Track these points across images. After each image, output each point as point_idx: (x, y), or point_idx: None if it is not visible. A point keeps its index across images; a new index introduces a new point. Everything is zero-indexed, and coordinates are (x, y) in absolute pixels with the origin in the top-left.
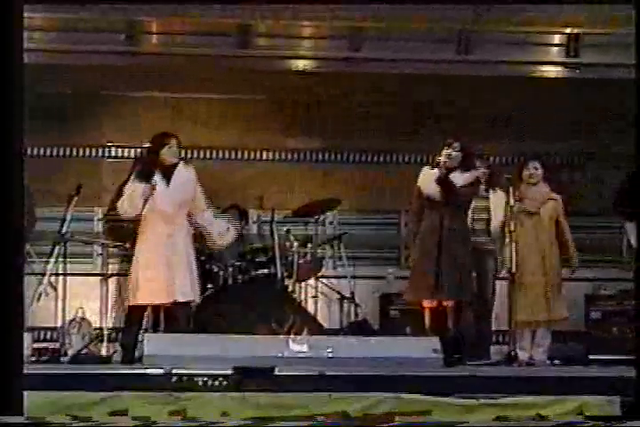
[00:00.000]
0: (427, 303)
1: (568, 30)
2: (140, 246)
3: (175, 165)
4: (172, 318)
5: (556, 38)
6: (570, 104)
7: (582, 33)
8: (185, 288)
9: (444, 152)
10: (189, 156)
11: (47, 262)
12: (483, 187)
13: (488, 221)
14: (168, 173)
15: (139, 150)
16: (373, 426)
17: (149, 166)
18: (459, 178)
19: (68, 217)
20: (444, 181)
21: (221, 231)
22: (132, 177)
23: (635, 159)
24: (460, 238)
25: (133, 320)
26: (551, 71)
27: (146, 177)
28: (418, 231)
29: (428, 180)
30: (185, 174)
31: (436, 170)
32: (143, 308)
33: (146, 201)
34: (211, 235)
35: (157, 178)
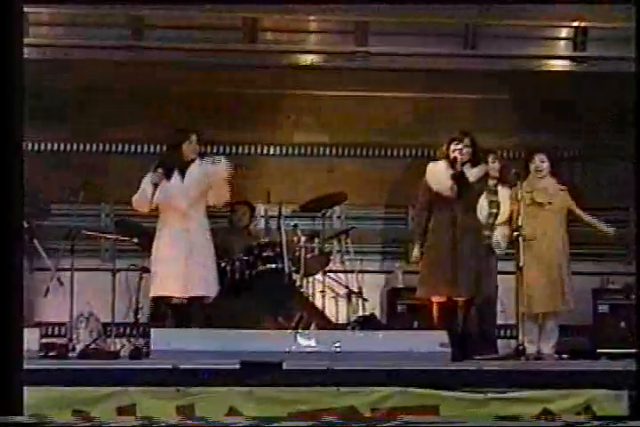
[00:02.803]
0: (436, 299)
1: (575, 24)
2: (157, 241)
3: (192, 161)
4: (185, 313)
5: (563, 32)
6: (578, 98)
7: (589, 26)
8: (199, 284)
9: (455, 147)
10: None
11: (55, 258)
12: (493, 181)
13: (495, 215)
14: (184, 169)
15: (150, 146)
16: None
17: (169, 161)
18: (471, 173)
19: (76, 213)
20: (459, 177)
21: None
22: (149, 172)
23: (635, 156)
24: (473, 234)
25: (160, 315)
26: (558, 65)
27: (161, 170)
28: (427, 227)
29: (438, 175)
30: (199, 169)
31: (442, 164)
32: (168, 302)
33: (155, 189)
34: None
35: (174, 173)
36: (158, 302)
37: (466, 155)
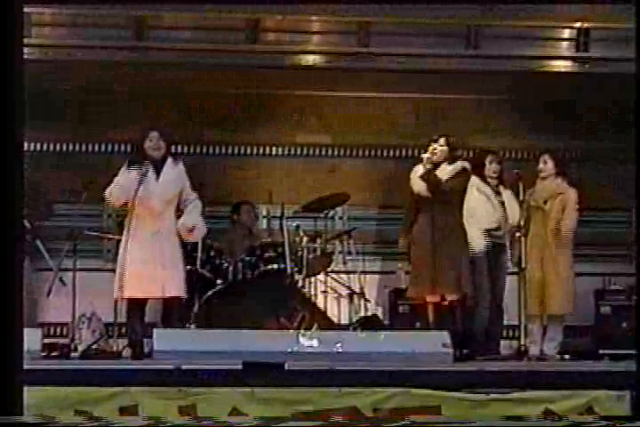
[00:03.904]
0: (430, 299)
1: (578, 24)
2: (126, 241)
3: (164, 161)
4: (167, 313)
5: (566, 32)
6: (580, 99)
7: (592, 27)
8: (169, 284)
9: (430, 148)
10: (197, 151)
11: (57, 258)
12: (494, 182)
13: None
14: (157, 168)
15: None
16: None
17: (138, 160)
18: (444, 171)
19: (78, 213)
20: (428, 178)
21: (186, 223)
22: (122, 168)
23: (635, 157)
24: (453, 234)
25: (133, 315)
26: (561, 65)
27: (136, 166)
28: (414, 229)
29: (414, 177)
30: (173, 171)
31: (420, 166)
32: (141, 303)
33: (138, 187)
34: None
35: (149, 173)
36: (136, 302)
37: (439, 154)
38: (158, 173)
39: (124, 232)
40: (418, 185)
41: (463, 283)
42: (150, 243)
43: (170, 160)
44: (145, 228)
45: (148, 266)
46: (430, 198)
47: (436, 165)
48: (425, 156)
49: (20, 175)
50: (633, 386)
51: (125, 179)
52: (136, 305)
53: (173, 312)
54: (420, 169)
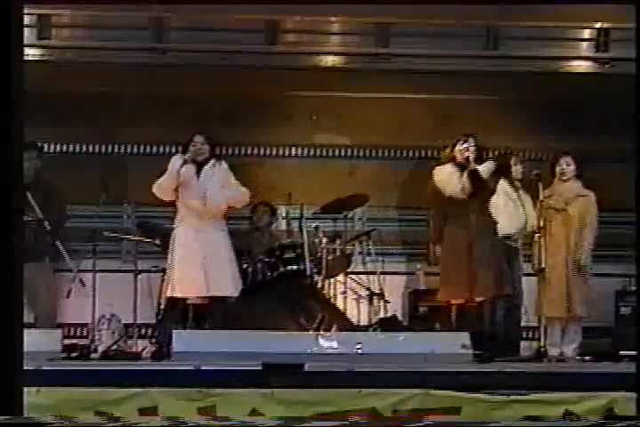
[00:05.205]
0: (455, 300)
1: (597, 25)
2: (174, 241)
3: (207, 162)
4: (207, 313)
5: (585, 33)
6: (600, 99)
7: (612, 27)
8: (218, 284)
9: (462, 147)
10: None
11: (77, 259)
12: (519, 184)
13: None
14: (199, 169)
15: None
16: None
17: (181, 158)
18: (482, 170)
19: (97, 214)
20: (473, 176)
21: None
22: (168, 168)
23: (635, 158)
24: (488, 234)
25: (169, 316)
26: (580, 66)
27: (178, 167)
28: (443, 231)
29: (448, 178)
30: (213, 171)
31: (450, 166)
32: (180, 304)
33: (179, 187)
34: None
35: (191, 173)
36: (175, 302)
37: (473, 153)
38: (199, 173)
39: (172, 233)
40: (453, 186)
41: (504, 282)
42: (194, 242)
43: (212, 160)
44: (189, 227)
45: (193, 264)
46: (463, 200)
47: (465, 166)
48: (469, 155)
49: (20, 175)
50: (634, 387)
51: (166, 179)
52: (176, 306)
53: (216, 312)
54: (450, 170)
